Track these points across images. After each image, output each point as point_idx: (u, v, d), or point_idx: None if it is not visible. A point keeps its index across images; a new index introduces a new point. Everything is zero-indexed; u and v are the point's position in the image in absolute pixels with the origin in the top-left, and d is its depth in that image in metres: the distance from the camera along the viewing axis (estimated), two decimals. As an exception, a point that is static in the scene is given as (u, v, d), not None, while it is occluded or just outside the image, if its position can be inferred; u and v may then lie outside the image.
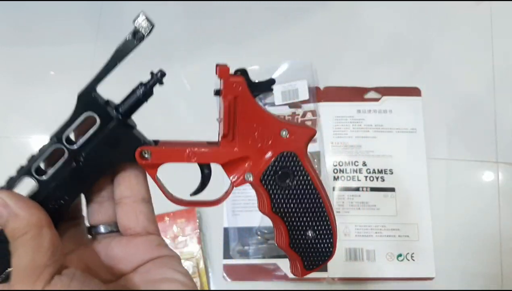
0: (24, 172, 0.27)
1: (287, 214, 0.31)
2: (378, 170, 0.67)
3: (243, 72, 0.29)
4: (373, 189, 0.67)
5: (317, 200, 0.31)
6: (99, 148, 0.28)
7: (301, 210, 0.31)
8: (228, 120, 0.29)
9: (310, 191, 0.31)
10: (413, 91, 0.70)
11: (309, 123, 0.69)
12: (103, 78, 0.27)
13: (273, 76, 0.70)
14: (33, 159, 0.27)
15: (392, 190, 0.66)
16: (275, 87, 0.69)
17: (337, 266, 0.64)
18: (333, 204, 0.66)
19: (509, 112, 0.69)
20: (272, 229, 0.66)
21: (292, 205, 0.31)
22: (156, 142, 0.30)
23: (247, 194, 0.66)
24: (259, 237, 0.65)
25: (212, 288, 0.65)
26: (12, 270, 0.26)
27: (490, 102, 0.69)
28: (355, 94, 0.70)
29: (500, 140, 0.68)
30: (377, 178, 0.67)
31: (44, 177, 0.27)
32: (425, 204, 0.66)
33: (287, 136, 0.30)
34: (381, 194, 0.66)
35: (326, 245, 0.32)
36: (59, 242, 0.26)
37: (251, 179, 0.30)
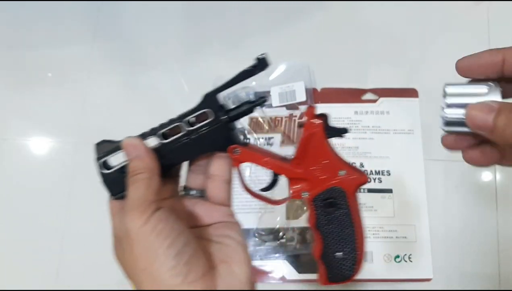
0: (154, 132, 0.37)
1: (325, 234, 0.39)
2: (375, 171, 0.67)
3: (324, 117, 0.37)
4: (370, 190, 0.67)
5: (351, 232, 0.38)
6: (206, 136, 0.37)
7: (337, 235, 0.39)
8: (301, 149, 0.37)
9: (347, 223, 0.38)
10: (410, 93, 0.70)
11: (306, 124, 0.69)
12: (225, 89, 0.35)
13: (270, 78, 0.71)
14: (162, 126, 0.37)
15: (389, 191, 0.66)
16: (272, 88, 0.70)
17: (334, 267, 0.64)
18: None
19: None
20: (269, 230, 0.66)
21: (331, 229, 0.39)
22: (246, 144, 0.38)
23: (245, 196, 0.65)
24: (257, 239, 0.65)
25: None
26: (127, 197, 0.34)
27: (487, 103, 0.69)
28: (353, 95, 0.70)
29: (497, 141, 0.68)
30: (374, 179, 0.67)
31: (165, 141, 0.37)
32: (423, 205, 0.66)
33: (343, 175, 0.37)
34: (379, 195, 0.66)
35: (349, 268, 0.39)
36: (161, 188, 0.35)
37: (306, 196, 0.38)
